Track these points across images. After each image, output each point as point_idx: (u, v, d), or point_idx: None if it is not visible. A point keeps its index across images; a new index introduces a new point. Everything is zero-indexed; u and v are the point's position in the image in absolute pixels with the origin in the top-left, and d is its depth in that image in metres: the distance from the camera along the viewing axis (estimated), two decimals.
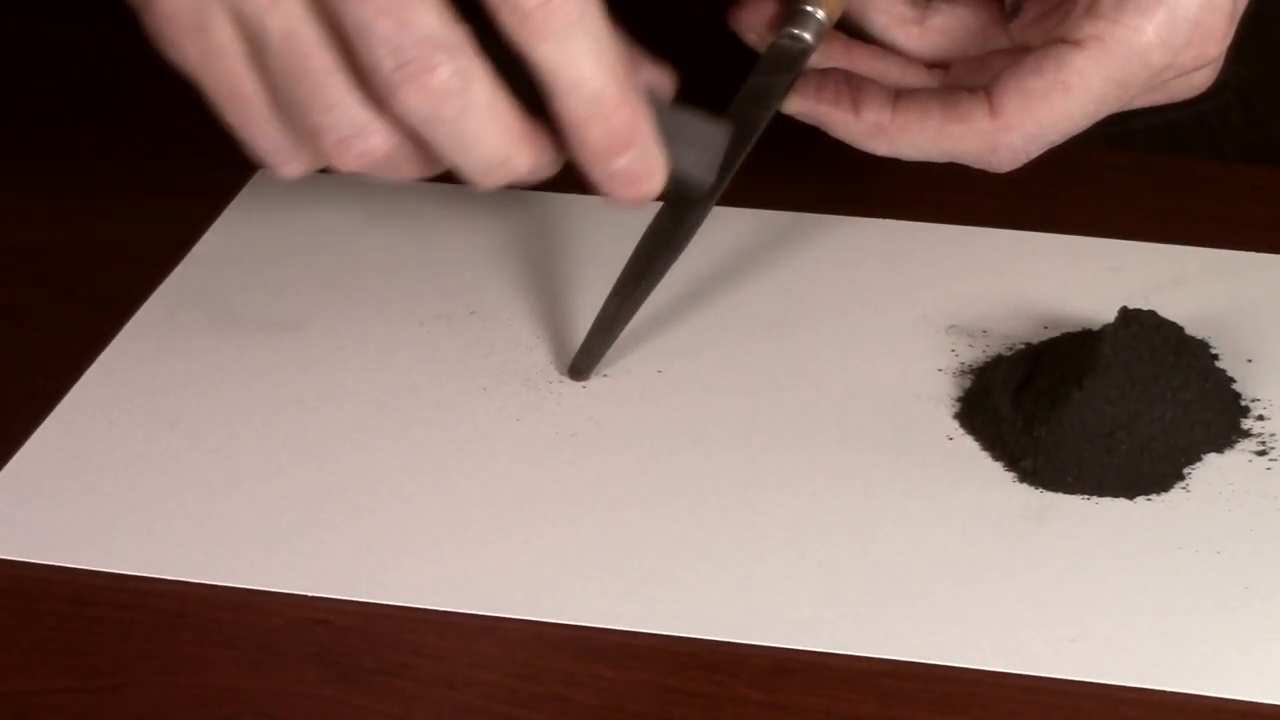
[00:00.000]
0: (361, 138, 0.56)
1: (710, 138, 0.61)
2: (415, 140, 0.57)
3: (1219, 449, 0.61)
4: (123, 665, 0.55)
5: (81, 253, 0.72)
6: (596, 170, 0.58)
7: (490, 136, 0.56)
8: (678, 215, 0.64)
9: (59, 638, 0.56)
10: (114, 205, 0.74)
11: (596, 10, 0.56)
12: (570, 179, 0.73)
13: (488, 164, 0.57)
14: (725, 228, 0.71)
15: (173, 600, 0.57)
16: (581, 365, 0.65)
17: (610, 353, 0.65)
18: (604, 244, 0.70)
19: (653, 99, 0.59)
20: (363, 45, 0.55)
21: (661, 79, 0.61)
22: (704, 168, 0.61)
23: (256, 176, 0.75)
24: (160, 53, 0.57)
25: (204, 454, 0.62)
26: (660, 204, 0.63)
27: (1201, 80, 0.62)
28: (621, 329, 0.65)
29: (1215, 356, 0.64)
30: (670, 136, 0.59)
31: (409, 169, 0.58)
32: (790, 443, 0.62)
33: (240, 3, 0.55)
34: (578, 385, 0.65)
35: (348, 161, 0.57)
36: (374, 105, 0.56)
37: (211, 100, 0.58)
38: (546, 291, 0.69)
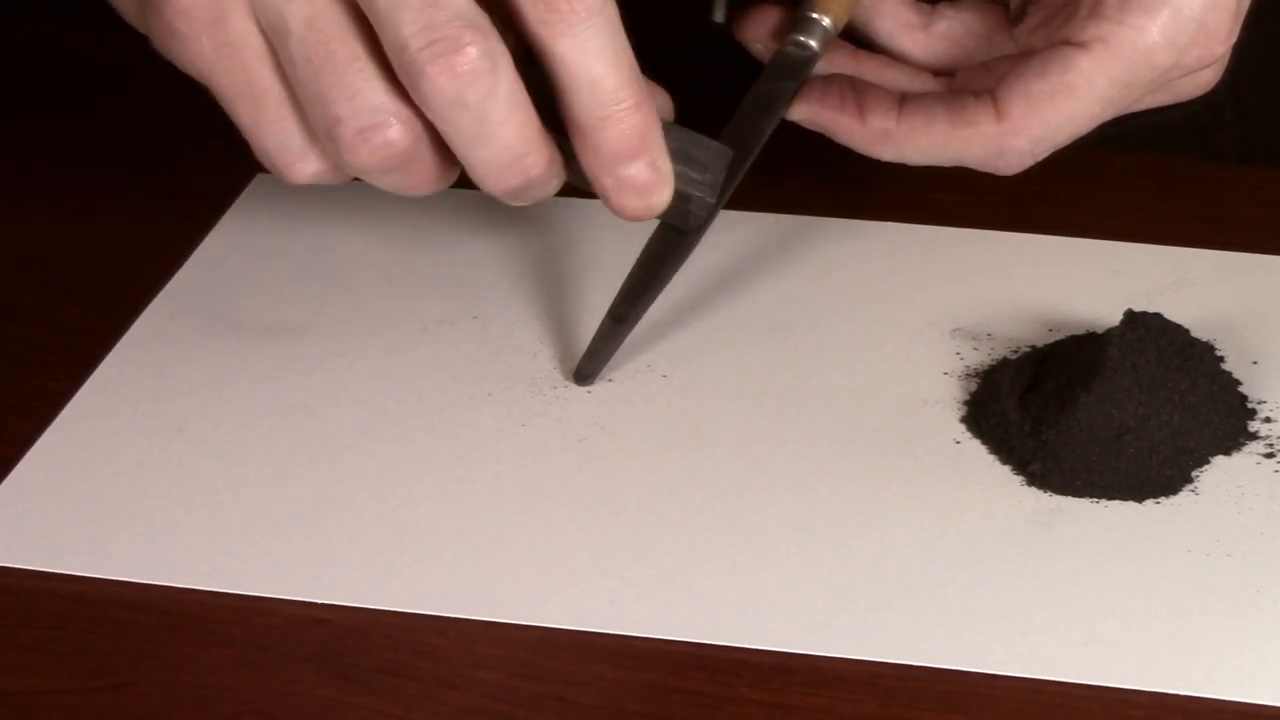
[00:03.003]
0: (382, 128, 0.55)
1: (714, 158, 0.61)
2: (434, 138, 0.56)
3: (1227, 451, 0.61)
4: (124, 665, 0.55)
5: (82, 254, 0.72)
6: (607, 176, 0.57)
7: (510, 128, 0.56)
8: (670, 232, 0.63)
9: (60, 637, 0.56)
10: (114, 207, 0.74)
11: (614, 9, 0.56)
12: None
13: (504, 159, 0.56)
14: (729, 231, 0.71)
15: (174, 600, 0.57)
16: (586, 370, 0.65)
17: (615, 357, 0.65)
18: (607, 248, 0.70)
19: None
20: (390, 22, 0.54)
21: (664, 100, 0.61)
22: (707, 187, 0.61)
23: (257, 179, 0.75)
24: (166, 53, 0.57)
25: (208, 460, 0.62)
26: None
27: (1207, 79, 0.62)
28: (626, 334, 0.64)
29: (1221, 359, 0.63)
30: (675, 154, 0.59)
31: (421, 172, 0.57)
32: (796, 447, 0.62)
33: None
34: (583, 390, 0.65)
35: (364, 155, 0.56)
36: (398, 95, 0.55)
37: (222, 98, 0.57)
38: (550, 295, 0.69)
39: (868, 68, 0.67)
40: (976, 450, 0.62)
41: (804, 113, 0.64)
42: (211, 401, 0.64)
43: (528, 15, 0.55)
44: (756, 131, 0.64)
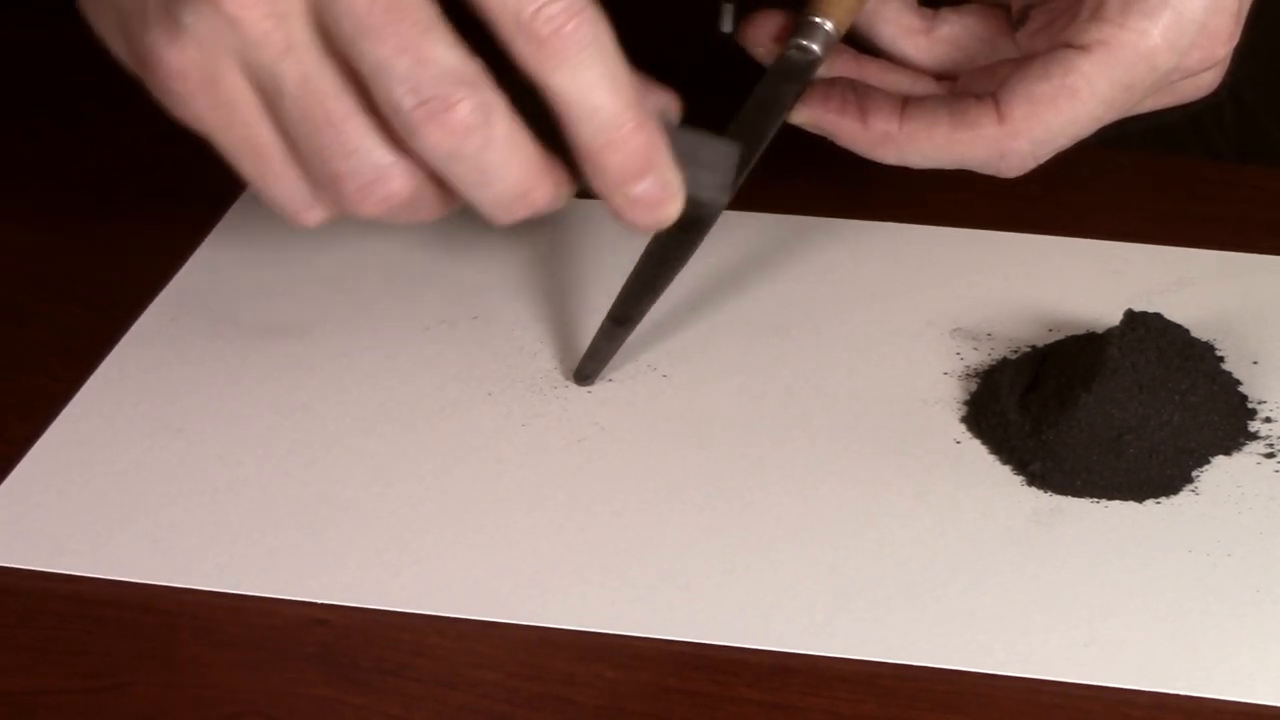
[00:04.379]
0: (383, 182, 0.56)
1: (721, 157, 0.61)
2: (435, 180, 0.56)
3: (1227, 451, 0.61)
4: (123, 665, 0.55)
5: (82, 254, 0.72)
6: (616, 197, 0.57)
7: (511, 170, 0.56)
8: (683, 229, 0.63)
9: (60, 637, 0.56)
10: (114, 207, 0.74)
11: (607, 34, 0.55)
12: None
13: (508, 198, 0.57)
14: (730, 232, 0.71)
15: (173, 600, 0.57)
16: (587, 371, 0.65)
17: (615, 357, 0.65)
18: (607, 248, 0.70)
19: (663, 122, 0.59)
20: (380, 85, 0.54)
21: (669, 102, 0.61)
22: (716, 188, 0.61)
23: None
24: (169, 111, 0.57)
25: (208, 460, 0.62)
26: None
27: (1209, 81, 0.62)
28: (627, 335, 0.64)
29: (1221, 359, 0.63)
30: (682, 158, 0.58)
31: (428, 211, 0.58)
32: (796, 447, 0.62)
33: (252, 52, 0.55)
34: (583, 390, 0.65)
35: (369, 207, 0.56)
36: (394, 147, 0.56)
37: (226, 154, 0.57)
38: (550, 296, 0.69)
39: (870, 71, 0.66)
40: (977, 450, 0.62)
41: (806, 116, 0.64)
42: (212, 402, 0.64)
43: (520, 52, 0.55)
44: (758, 134, 0.64)
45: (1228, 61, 0.62)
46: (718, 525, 0.59)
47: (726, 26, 0.69)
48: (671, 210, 0.58)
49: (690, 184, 0.59)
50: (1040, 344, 0.65)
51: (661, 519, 0.59)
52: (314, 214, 0.58)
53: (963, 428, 0.62)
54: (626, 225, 0.58)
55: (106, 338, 0.67)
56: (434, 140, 0.54)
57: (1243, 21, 0.61)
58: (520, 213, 0.57)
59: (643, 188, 0.57)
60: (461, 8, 0.55)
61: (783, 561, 0.58)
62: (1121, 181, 0.74)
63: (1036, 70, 0.61)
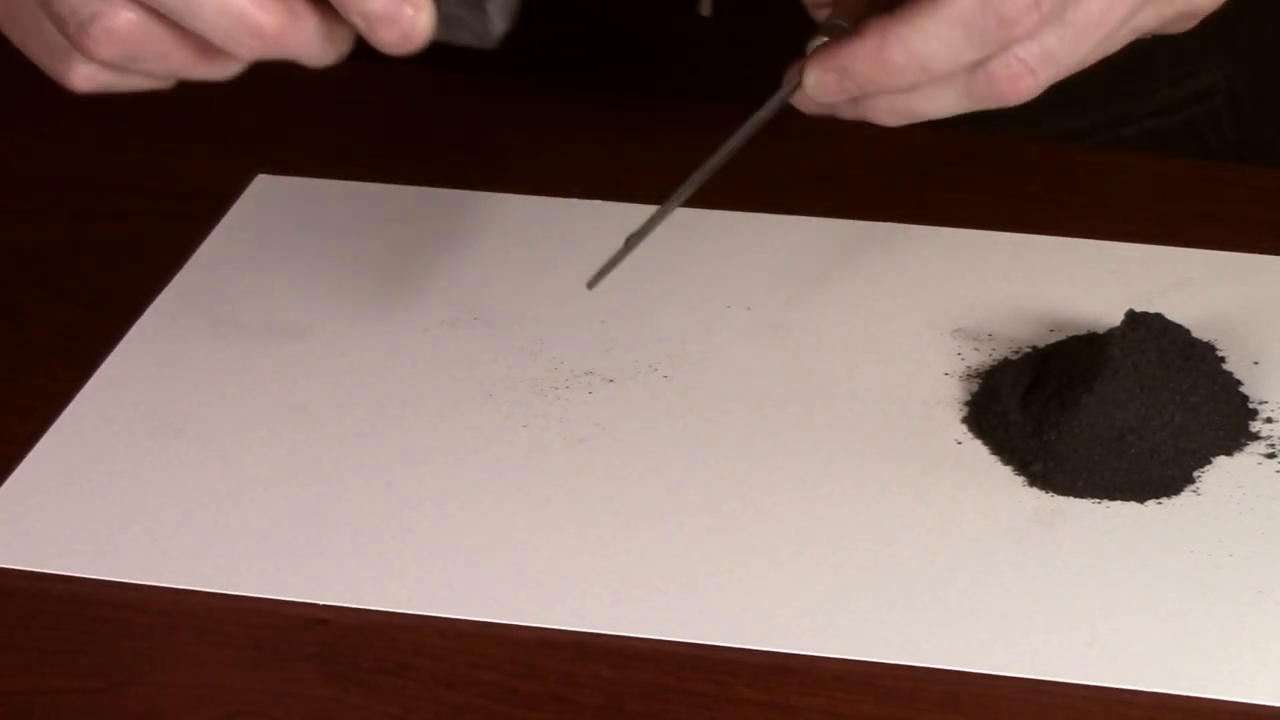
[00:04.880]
0: (99, 18, 0.55)
1: None
2: (166, 21, 0.55)
3: (1228, 452, 0.61)
4: (121, 665, 0.55)
5: (82, 254, 0.72)
6: (353, 15, 0.55)
7: None
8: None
9: (58, 637, 0.56)
10: (114, 207, 0.74)
11: None
12: (572, 181, 0.73)
13: (225, 24, 0.55)
14: (730, 231, 0.71)
15: (171, 600, 0.57)
16: (596, 279, 0.62)
17: (616, 358, 0.65)
18: (607, 248, 0.70)
19: None
20: None
21: None
22: (472, 4, 0.56)
23: (257, 179, 0.75)
24: None
25: (209, 461, 0.62)
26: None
27: None
28: (636, 244, 0.62)
29: (1222, 359, 0.63)
30: None
31: (180, 55, 0.56)
32: (797, 448, 0.62)
33: None
34: (584, 390, 0.65)
35: (97, 49, 0.55)
36: None
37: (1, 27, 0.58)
38: (550, 295, 0.69)
39: None
40: (978, 451, 0.62)
41: (814, 77, 0.59)
42: (212, 402, 0.65)
43: None
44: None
45: None
46: (717, 525, 0.59)
47: (705, 11, 0.68)
48: (417, 25, 0.55)
49: (449, 4, 0.55)
50: (1041, 344, 0.65)
51: (661, 519, 0.59)
52: (75, 70, 0.57)
53: (964, 428, 0.62)
54: (377, 46, 0.55)
55: (106, 338, 0.67)
56: None
57: None
58: (255, 43, 0.55)
59: (376, 2, 0.55)
60: None
61: (782, 561, 0.58)
62: (1121, 182, 0.74)
63: None
